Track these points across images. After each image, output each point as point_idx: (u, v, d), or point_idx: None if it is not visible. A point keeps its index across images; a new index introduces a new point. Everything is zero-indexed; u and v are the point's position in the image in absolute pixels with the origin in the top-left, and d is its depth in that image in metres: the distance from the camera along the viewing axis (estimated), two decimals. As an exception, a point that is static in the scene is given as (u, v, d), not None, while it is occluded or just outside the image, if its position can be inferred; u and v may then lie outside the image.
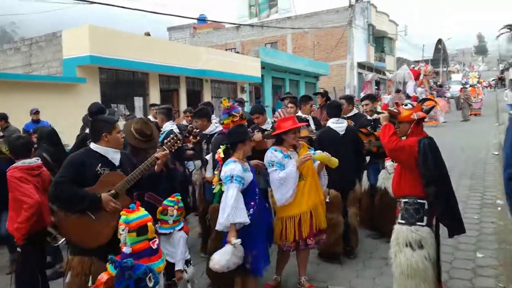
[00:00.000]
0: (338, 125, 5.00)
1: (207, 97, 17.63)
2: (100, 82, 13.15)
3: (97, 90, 12.94)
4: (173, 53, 15.41)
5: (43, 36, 13.76)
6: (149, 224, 2.92)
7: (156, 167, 3.48)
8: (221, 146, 4.02)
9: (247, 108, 14.26)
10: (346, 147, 4.81)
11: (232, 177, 3.61)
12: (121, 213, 2.87)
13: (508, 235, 5.45)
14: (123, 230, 2.81)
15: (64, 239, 3.43)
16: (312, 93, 11.07)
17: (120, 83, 14.02)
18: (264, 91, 22.67)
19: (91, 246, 3.11)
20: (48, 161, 4.50)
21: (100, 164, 3.21)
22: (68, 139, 6.68)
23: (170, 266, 3.69)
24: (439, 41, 59.33)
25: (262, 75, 21.09)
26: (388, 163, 5.17)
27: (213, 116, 5.72)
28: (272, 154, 4.08)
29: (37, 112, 9.52)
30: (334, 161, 4.14)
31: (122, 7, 14.06)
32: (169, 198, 3.87)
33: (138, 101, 14.59)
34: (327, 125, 5.18)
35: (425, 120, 3.85)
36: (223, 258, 3.50)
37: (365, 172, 5.81)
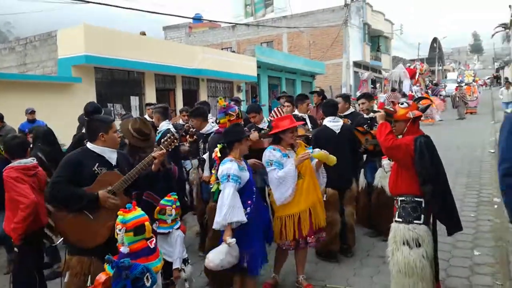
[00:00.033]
0: (334, 123, 5.01)
1: (203, 96, 17.61)
2: (95, 81, 13.11)
3: (92, 90, 12.90)
4: (169, 52, 15.38)
5: (38, 35, 13.70)
6: (146, 223, 2.91)
7: (153, 166, 3.48)
8: (218, 145, 4.02)
9: (244, 107, 14.26)
10: (342, 146, 4.81)
11: (229, 176, 3.61)
12: (118, 213, 2.85)
13: (504, 232, 5.47)
14: (120, 230, 2.80)
15: (61, 239, 3.42)
16: (308, 92, 11.06)
17: (116, 82, 13.98)
18: (260, 90, 22.68)
19: (89, 246, 3.10)
20: (43, 161, 4.47)
21: (97, 164, 3.20)
22: (64, 138, 6.65)
23: (167, 265, 3.69)
24: (435, 40, 59.58)
25: (258, 74, 21.09)
26: (385, 161, 5.18)
27: (210, 115, 5.71)
28: (271, 153, 4.08)
29: (32, 112, 9.47)
30: (332, 159, 4.15)
31: (117, 6, 14.02)
32: (166, 198, 3.86)
33: (134, 101, 14.55)
34: (323, 123, 5.18)
35: (421, 118, 3.86)
36: (218, 257, 3.51)
37: (362, 171, 5.82)
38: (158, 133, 5.22)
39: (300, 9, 32.39)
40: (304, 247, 4.22)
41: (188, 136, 6.06)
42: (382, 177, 5.25)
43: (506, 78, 29.84)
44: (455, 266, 4.67)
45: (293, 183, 3.99)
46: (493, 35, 46.14)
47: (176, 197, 3.93)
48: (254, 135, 4.73)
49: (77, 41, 12.20)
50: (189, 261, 3.99)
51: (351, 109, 6.45)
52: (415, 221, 3.53)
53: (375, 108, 7.46)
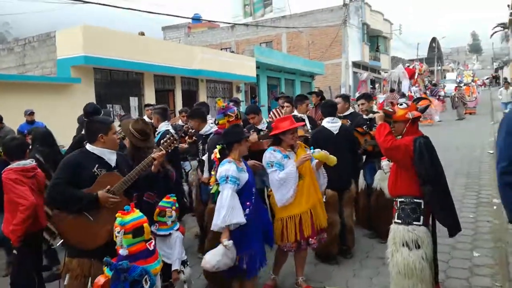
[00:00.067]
0: (332, 124, 5.01)
1: (202, 97, 17.61)
2: (94, 82, 13.10)
3: (91, 91, 12.89)
4: (168, 53, 15.37)
5: (37, 36, 13.68)
6: (145, 225, 2.90)
7: (153, 167, 3.48)
8: (217, 147, 4.01)
9: (243, 107, 14.26)
10: (341, 146, 4.80)
11: (227, 177, 3.61)
12: (116, 215, 2.85)
13: (503, 234, 5.47)
14: (118, 232, 2.79)
15: (61, 241, 3.41)
16: (307, 92, 11.07)
17: (115, 83, 13.97)
18: (259, 90, 22.67)
19: (89, 248, 3.08)
20: (41, 163, 4.47)
21: (96, 165, 3.20)
22: (64, 139, 6.64)
23: (166, 267, 3.68)
24: (434, 40, 59.64)
25: (257, 75, 21.08)
26: (384, 162, 5.18)
27: (209, 116, 5.71)
28: (271, 155, 4.07)
29: (31, 113, 9.46)
30: (333, 159, 4.15)
31: (115, 6, 14.02)
32: (165, 199, 3.86)
33: (133, 101, 14.54)
34: (322, 124, 5.18)
35: (420, 119, 3.86)
36: (214, 258, 3.51)
37: (361, 172, 5.81)
38: (157, 134, 5.21)
39: (299, 9, 32.49)
40: (305, 248, 4.22)
41: (187, 137, 6.06)
42: (381, 179, 5.24)
43: (505, 78, 29.90)
44: (454, 268, 4.66)
45: (294, 184, 3.98)
46: (492, 35, 46.27)
47: (175, 198, 3.93)
48: (253, 136, 4.73)
49: (76, 41, 12.19)
50: (188, 263, 3.98)
51: (351, 110, 6.45)
52: (414, 223, 3.53)
53: (375, 108, 7.47)
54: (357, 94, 23.02)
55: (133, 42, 13.91)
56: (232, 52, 25.84)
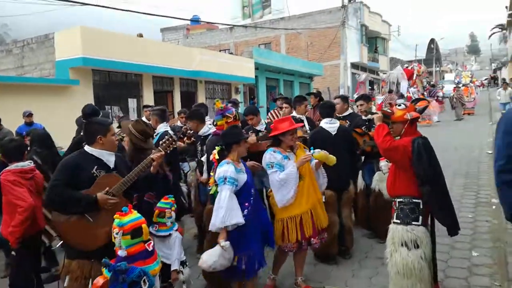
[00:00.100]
0: (330, 125, 5.01)
1: (201, 98, 17.61)
2: (93, 83, 13.09)
3: (90, 92, 12.88)
4: (166, 54, 15.37)
5: (36, 38, 13.67)
6: (144, 226, 2.90)
7: (151, 168, 3.49)
8: (216, 148, 4.01)
9: (242, 109, 14.26)
10: (339, 147, 4.80)
11: (225, 178, 3.61)
12: (115, 216, 2.85)
13: (502, 233, 5.48)
14: (117, 234, 2.79)
15: (60, 242, 3.41)
16: (306, 93, 11.09)
17: (114, 84, 13.96)
18: (258, 91, 22.69)
19: (89, 249, 3.07)
20: (39, 165, 4.46)
21: (95, 167, 3.19)
22: (62, 141, 6.65)
23: (166, 268, 3.69)
24: (432, 41, 59.76)
25: (256, 76, 21.10)
26: (383, 163, 5.19)
27: (207, 118, 5.71)
28: (271, 156, 4.07)
29: (30, 115, 9.45)
30: (332, 159, 4.16)
31: (114, 8, 14.06)
32: (163, 200, 3.87)
33: (132, 103, 14.54)
34: (320, 125, 5.18)
35: (419, 120, 3.87)
36: (211, 258, 3.51)
37: (360, 172, 5.82)
38: (156, 135, 5.21)
39: (297, 10, 32.49)
40: (306, 248, 4.23)
41: (185, 138, 6.06)
42: (380, 180, 5.25)
43: (503, 79, 29.94)
44: (453, 267, 4.67)
45: (295, 185, 3.97)
46: (490, 36, 46.36)
47: (174, 199, 3.94)
48: (251, 138, 4.73)
49: (74, 43, 12.18)
50: (187, 264, 3.98)
51: (350, 110, 6.46)
52: (413, 223, 3.53)
53: (373, 109, 7.48)
54: (355, 95, 23.05)
55: (131, 44, 13.91)
56: (231, 53, 25.88)
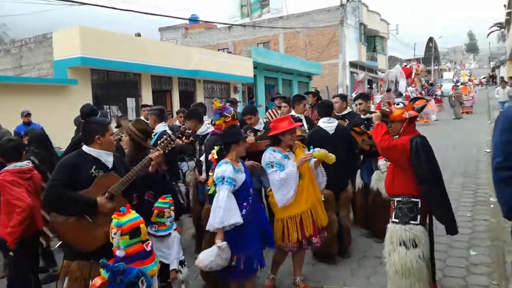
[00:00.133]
0: (328, 124, 5.01)
1: (200, 97, 17.60)
2: (91, 83, 13.09)
3: (88, 92, 12.88)
4: (165, 53, 15.37)
5: (34, 37, 13.65)
6: (142, 226, 2.90)
7: (150, 168, 3.49)
8: (215, 147, 4.01)
9: (240, 108, 14.26)
10: (337, 146, 4.80)
11: (223, 178, 3.60)
12: (113, 216, 2.84)
13: (500, 232, 5.48)
14: (115, 234, 2.78)
15: (59, 242, 3.40)
16: (304, 92, 11.11)
17: (112, 84, 13.96)
18: (257, 91, 22.68)
19: (88, 249, 3.06)
20: (37, 165, 4.46)
21: (94, 167, 3.18)
22: (60, 141, 6.64)
23: (164, 268, 3.68)
24: (431, 40, 59.75)
25: (254, 75, 21.10)
26: (381, 162, 5.19)
27: (206, 117, 5.70)
28: (271, 155, 4.06)
29: (28, 115, 9.44)
30: (331, 157, 4.16)
31: (113, 8, 14.04)
32: (161, 200, 3.87)
33: (130, 102, 14.53)
34: (318, 124, 5.18)
35: (417, 119, 3.87)
36: (207, 258, 3.50)
37: (358, 171, 5.82)
38: (154, 135, 5.21)
39: (296, 9, 32.51)
40: (306, 248, 4.23)
41: (184, 138, 6.06)
42: (378, 179, 5.25)
43: (502, 78, 29.99)
44: (451, 266, 4.67)
45: (295, 184, 3.97)
46: (488, 35, 46.40)
47: (171, 198, 3.94)
48: (250, 138, 4.73)
49: (72, 42, 12.18)
50: (186, 263, 3.98)
51: (349, 109, 6.46)
52: (411, 222, 3.53)
53: (372, 108, 7.48)
54: (353, 95, 23.06)
55: (130, 43, 13.90)
56: (230, 52, 25.88)
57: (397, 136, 3.69)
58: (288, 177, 3.96)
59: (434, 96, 23.37)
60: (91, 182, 3.12)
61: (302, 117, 6.21)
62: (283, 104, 7.03)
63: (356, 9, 32.46)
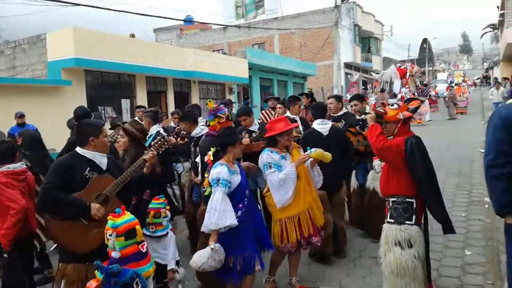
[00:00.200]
0: (322, 126, 5.03)
1: (195, 98, 17.57)
2: (86, 84, 13.01)
3: (83, 93, 12.82)
4: (160, 54, 15.32)
5: (27, 38, 13.56)
6: (137, 227, 2.89)
7: (145, 169, 3.48)
8: (211, 149, 4.00)
9: (236, 109, 14.24)
10: (331, 148, 4.80)
11: (218, 180, 3.60)
12: (108, 218, 2.83)
13: (495, 232, 5.50)
14: (110, 235, 2.77)
15: (54, 245, 3.38)
16: (298, 94, 11.13)
17: (107, 85, 13.89)
18: (252, 92, 22.69)
19: (83, 252, 3.05)
20: (29, 167, 4.43)
21: (88, 168, 3.17)
22: (55, 142, 6.60)
23: (160, 269, 3.68)
24: (425, 41, 60.02)
25: (250, 76, 21.09)
26: (376, 162, 5.20)
27: (201, 118, 5.69)
28: (269, 156, 4.06)
29: (22, 116, 9.38)
30: (328, 156, 4.17)
31: (107, 9, 14.02)
32: (156, 201, 3.87)
33: (125, 103, 14.47)
34: (312, 126, 5.19)
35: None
36: (200, 260, 3.51)
37: (353, 172, 5.83)
38: (149, 137, 5.19)
39: (291, 10, 32.57)
40: (305, 248, 4.24)
41: (179, 139, 6.04)
42: (374, 179, 5.26)
43: (496, 78, 30.13)
44: (446, 266, 4.69)
45: (293, 184, 3.97)
46: (482, 36, 46.59)
47: (165, 198, 3.95)
48: (245, 139, 4.72)
49: (66, 43, 12.11)
50: (181, 264, 3.98)
51: (344, 110, 6.47)
52: (406, 222, 3.55)
53: (368, 109, 7.50)
54: (348, 96, 23.11)
55: (124, 44, 13.85)
56: (225, 53, 25.86)
57: (392, 137, 3.70)
58: (287, 177, 3.95)
59: (428, 97, 23.45)
60: (85, 184, 3.11)
61: (297, 118, 6.22)
62: (278, 105, 7.03)
63: (350, 11, 32.56)
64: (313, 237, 4.11)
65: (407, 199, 3.57)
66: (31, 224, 3.88)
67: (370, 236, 5.51)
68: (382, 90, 21.55)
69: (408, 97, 16.56)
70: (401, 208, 3.57)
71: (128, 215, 2.88)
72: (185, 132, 5.73)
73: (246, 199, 3.75)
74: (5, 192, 3.69)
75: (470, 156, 11.13)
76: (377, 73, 31.15)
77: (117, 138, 5.45)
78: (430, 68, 59.08)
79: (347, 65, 32.96)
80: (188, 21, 33.83)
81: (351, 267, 4.85)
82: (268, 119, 7.28)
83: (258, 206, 4.49)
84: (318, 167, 4.38)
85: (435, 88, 32.00)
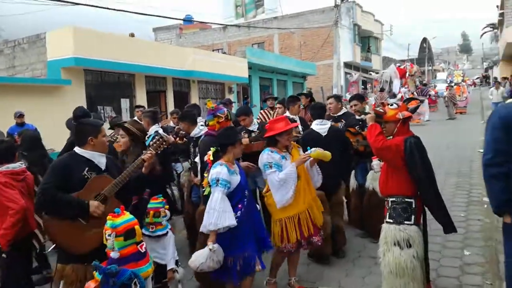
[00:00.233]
0: (321, 126, 5.03)
1: (194, 98, 17.57)
2: (85, 84, 13.01)
3: (82, 92, 12.81)
4: (159, 54, 15.31)
5: (27, 38, 13.54)
6: (136, 227, 2.89)
7: (143, 169, 3.48)
8: (211, 149, 4.00)
9: (235, 108, 14.24)
10: (330, 148, 4.80)
11: (218, 180, 3.60)
12: (107, 218, 2.83)
13: (494, 232, 5.51)
14: (109, 235, 2.77)
15: (53, 246, 3.38)
16: (299, 93, 11.13)
17: (106, 84, 13.88)
18: (251, 91, 22.68)
19: (82, 252, 3.05)
20: (27, 167, 4.42)
21: (86, 168, 3.16)
22: (54, 141, 6.59)
23: (159, 269, 3.68)
24: (424, 40, 60.01)
25: (249, 76, 21.09)
26: (375, 161, 5.21)
27: (200, 118, 5.68)
28: (269, 156, 4.05)
29: (21, 115, 9.38)
30: (328, 154, 4.17)
31: (107, 8, 13.98)
32: (155, 201, 3.87)
33: (124, 103, 14.46)
34: (311, 127, 5.20)
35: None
36: (198, 260, 3.51)
37: (352, 172, 5.83)
38: (148, 137, 5.18)
39: (290, 10, 32.47)
40: (305, 248, 4.25)
41: (178, 139, 6.04)
42: (374, 179, 5.26)
43: (495, 78, 30.13)
44: (445, 266, 4.69)
45: (294, 184, 3.96)
46: (481, 35, 46.64)
47: (163, 197, 3.95)
48: (244, 140, 4.72)
49: (66, 43, 12.10)
50: (180, 264, 3.98)
51: (344, 110, 6.47)
52: (405, 222, 3.55)
53: (367, 109, 7.50)
54: (347, 95, 23.10)
55: (124, 44, 13.85)
56: (224, 53, 25.85)
57: (391, 137, 3.70)
58: (287, 177, 3.95)
59: (428, 96, 23.45)
60: (83, 184, 3.11)
61: (297, 118, 6.22)
62: (277, 105, 7.04)
63: (350, 10, 32.56)
64: (314, 237, 4.11)
65: (406, 199, 3.57)
66: (30, 224, 3.88)
67: (369, 236, 5.51)
68: (382, 90, 21.56)
69: (407, 97, 16.58)
70: (400, 208, 3.58)
71: (127, 215, 2.88)
72: (184, 132, 5.73)
73: (245, 200, 3.75)
74: (4, 192, 3.69)
75: (470, 156, 11.14)
76: (376, 73, 31.18)
77: (116, 138, 5.45)
78: (430, 68, 59.10)
79: (347, 65, 32.96)
80: (188, 20, 33.83)
81: (350, 267, 4.85)
82: (267, 118, 7.28)
83: (258, 206, 4.49)
84: (317, 167, 4.38)
85: (435, 88, 32.01)
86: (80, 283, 3.02)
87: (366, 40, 36.66)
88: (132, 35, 15.95)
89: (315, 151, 4.11)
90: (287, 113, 6.30)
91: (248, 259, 3.68)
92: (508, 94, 18.45)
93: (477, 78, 51.64)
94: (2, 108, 10.10)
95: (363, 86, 33.91)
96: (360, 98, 6.36)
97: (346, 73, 32.33)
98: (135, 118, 8.16)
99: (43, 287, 4.57)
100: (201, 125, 5.20)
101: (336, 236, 5.01)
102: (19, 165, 3.98)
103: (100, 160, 3.28)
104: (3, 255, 3.77)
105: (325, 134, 4.97)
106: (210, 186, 3.74)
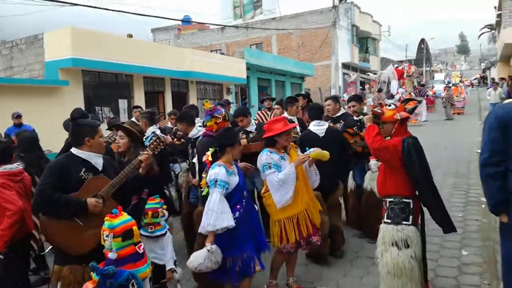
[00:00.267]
0: (318, 127, 5.04)
1: (193, 98, 17.57)
2: (83, 84, 13.00)
3: (80, 93, 12.80)
4: (157, 54, 15.31)
5: (25, 38, 13.53)
6: (134, 228, 2.88)
7: (140, 169, 3.48)
8: (210, 149, 3.99)
9: (233, 109, 14.24)
10: (327, 149, 4.80)
11: (216, 181, 3.59)
12: (105, 218, 2.82)
13: (492, 232, 5.52)
14: (107, 236, 2.76)
15: (50, 246, 3.37)
16: (295, 94, 11.15)
17: (104, 85, 13.87)
18: (250, 92, 22.68)
19: (80, 253, 3.04)
20: (24, 168, 4.41)
21: (83, 169, 3.16)
22: (52, 142, 6.58)
23: (158, 269, 3.67)
24: (422, 41, 60.09)
25: (247, 76, 21.11)
26: (372, 162, 5.21)
27: (198, 119, 5.68)
28: (268, 156, 4.05)
29: (19, 116, 9.36)
30: (326, 154, 4.18)
31: (105, 9, 13.98)
32: (152, 201, 3.86)
33: (122, 104, 14.44)
34: (308, 128, 5.20)
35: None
36: (196, 260, 3.51)
37: (350, 172, 5.83)
38: (145, 138, 5.17)
39: (288, 11, 32.57)
40: (305, 248, 4.25)
41: (176, 139, 6.03)
42: (371, 180, 5.26)
43: (493, 79, 30.17)
44: (443, 266, 4.70)
45: (293, 184, 3.96)
46: (479, 36, 46.68)
47: (160, 198, 3.95)
48: (242, 141, 4.72)
49: (64, 43, 12.10)
50: (177, 264, 3.97)
51: (342, 110, 6.47)
52: (403, 222, 3.55)
53: (365, 110, 7.51)
54: (345, 96, 23.12)
55: (122, 44, 13.84)
56: (222, 54, 25.87)
57: (389, 137, 3.71)
58: (287, 178, 3.95)
59: (426, 97, 23.48)
60: (80, 184, 3.10)
61: (295, 119, 6.22)
62: (276, 106, 7.04)
63: (348, 11, 32.63)
64: (313, 237, 4.11)
65: (404, 200, 3.58)
66: (27, 225, 3.87)
67: (367, 237, 5.51)
68: (380, 90, 21.57)
69: (405, 97, 16.61)
70: (398, 208, 3.58)
71: (125, 216, 2.87)
72: (181, 133, 5.72)
73: (244, 200, 3.75)
74: (2, 193, 3.68)
75: (467, 157, 11.15)
76: (374, 74, 31.19)
77: (115, 139, 5.44)
78: (428, 69, 59.19)
79: (345, 66, 33.01)
80: (186, 21, 33.85)
81: (348, 268, 4.85)
82: (264, 119, 7.29)
83: (256, 206, 4.49)
84: (315, 167, 4.38)
85: (433, 89, 32.05)
86: (77, 285, 3.01)
87: (364, 41, 36.74)
88: (130, 35, 15.94)
89: (314, 151, 4.12)
90: (285, 114, 6.30)
91: (247, 260, 3.67)
92: (506, 95, 18.47)
93: (475, 79, 51.69)
94: (-1, 109, 10.09)
95: (361, 87, 33.96)
96: (358, 99, 6.37)
97: (344, 74, 32.38)
98: (133, 118, 8.16)
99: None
100: (199, 126, 5.20)
101: (334, 236, 5.02)
102: (16, 166, 3.97)
103: (97, 161, 3.27)
104: (0, 256, 3.76)
105: (322, 135, 4.98)
106: (208, 186, 3.73)
